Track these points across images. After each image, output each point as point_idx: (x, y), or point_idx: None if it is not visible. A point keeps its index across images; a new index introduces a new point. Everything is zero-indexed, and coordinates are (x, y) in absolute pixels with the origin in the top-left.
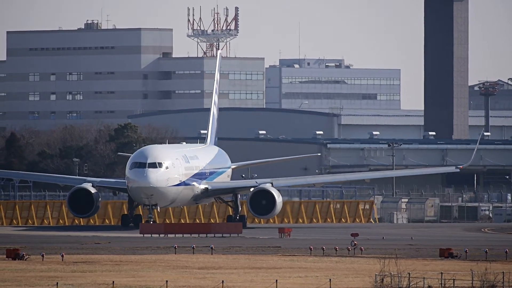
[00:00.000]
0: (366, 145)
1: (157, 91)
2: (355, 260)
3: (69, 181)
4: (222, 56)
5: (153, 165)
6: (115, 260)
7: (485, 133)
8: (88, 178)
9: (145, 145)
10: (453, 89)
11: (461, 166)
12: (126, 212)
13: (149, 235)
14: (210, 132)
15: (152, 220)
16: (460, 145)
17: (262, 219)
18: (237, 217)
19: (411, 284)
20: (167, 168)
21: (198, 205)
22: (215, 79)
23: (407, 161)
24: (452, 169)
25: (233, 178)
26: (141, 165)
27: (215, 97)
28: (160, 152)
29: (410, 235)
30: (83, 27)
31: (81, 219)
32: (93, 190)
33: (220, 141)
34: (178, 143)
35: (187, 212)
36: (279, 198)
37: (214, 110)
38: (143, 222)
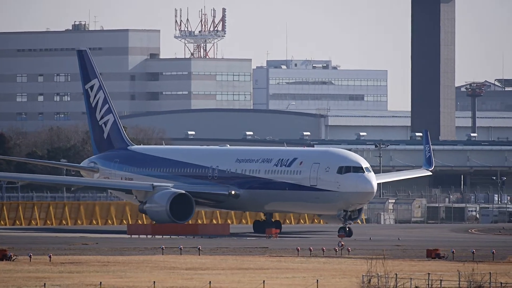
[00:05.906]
0: (353, 146)
1: (145, 92)
2: (342, 260)
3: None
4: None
5: (368, 170)
6: (103, 260)
7: (472, 134)
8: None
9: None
10: (439, 90)
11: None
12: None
13: (137, 236)
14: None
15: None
16: (447, 146)
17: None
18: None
19: (398, 284)
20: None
21: None
22: (102, 88)
23: (394, 162)
24: (422, 171)
25: None
26: (356, 169)
27: (111, 105)
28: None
29: (397, 236)
30: (70, 28)
31: (69, 220)
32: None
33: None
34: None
35: None
36: None
37: (116, 118)
38: (342, 228)
